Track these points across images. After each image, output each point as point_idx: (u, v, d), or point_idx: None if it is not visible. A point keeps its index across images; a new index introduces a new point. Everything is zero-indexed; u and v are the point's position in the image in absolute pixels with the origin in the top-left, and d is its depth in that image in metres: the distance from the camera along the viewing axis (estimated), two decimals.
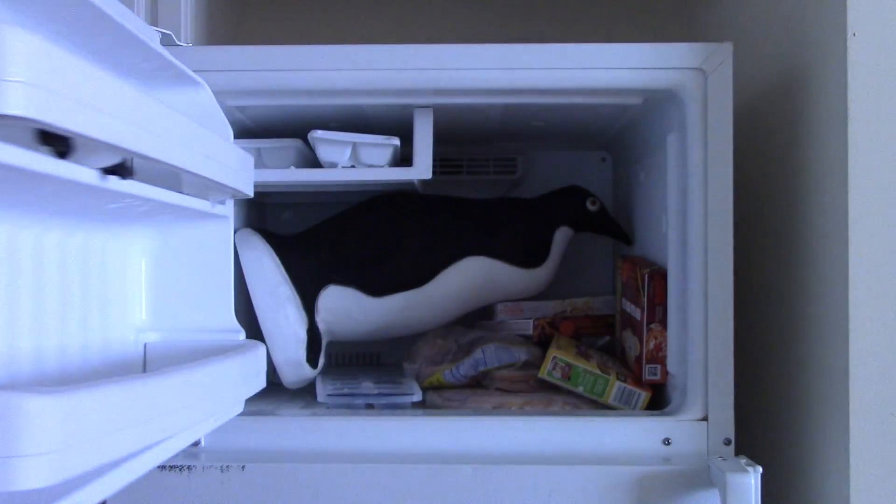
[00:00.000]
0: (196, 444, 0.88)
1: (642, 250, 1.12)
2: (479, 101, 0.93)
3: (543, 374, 1.00)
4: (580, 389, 0.99)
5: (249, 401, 1.00)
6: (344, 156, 0.96)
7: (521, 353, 1.04)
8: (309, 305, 1.01)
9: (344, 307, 1.03)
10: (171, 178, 0.71)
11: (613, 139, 1.20)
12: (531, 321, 1.11)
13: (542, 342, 1.09)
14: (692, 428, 0.88)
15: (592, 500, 0.83)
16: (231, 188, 0.78)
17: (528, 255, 1.09)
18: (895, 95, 0.79)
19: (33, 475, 0.42)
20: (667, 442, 0.88)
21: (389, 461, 0.85)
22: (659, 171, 1.00)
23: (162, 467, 0.84)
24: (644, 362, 0.99)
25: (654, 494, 0.83)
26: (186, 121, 0.65)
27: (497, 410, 0.96)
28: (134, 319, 0.85)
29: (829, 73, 0.84)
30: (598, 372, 0.99)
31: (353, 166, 0.97)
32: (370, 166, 0.96)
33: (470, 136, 1.15)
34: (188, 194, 0.77)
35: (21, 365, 0.69)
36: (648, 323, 0.98)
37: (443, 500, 0.84)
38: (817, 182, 0.87)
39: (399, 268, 1.05)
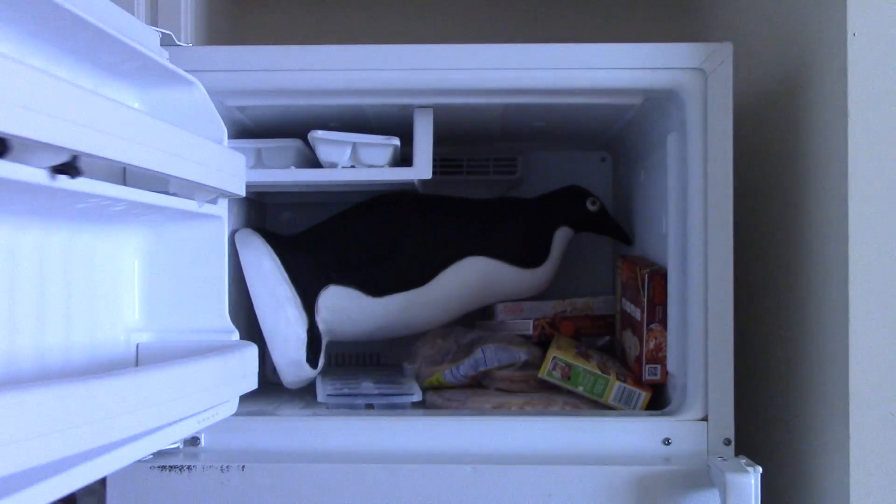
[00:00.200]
0: (196, 444, 0.88)
1: (642, 250, 1.12)
2: (479, 101, 0.93)
3: (543, 374, 1.00)
4: (580, 389, 0.99)
5: (250, 401, 1.00)
6: (344, 156, 0.96)
7: (521, 353, 1.04)
8: (309, 305, 1.01)
9: (344, 307, 1.03)
10: (155, 178, 0.71)
11: (613, 139, 1.20)
12: (531, 321, 1.11)
13: (542, 342, 1.09)
14: (692, 428, 0.88)
15: (592, 500, 0.83)
16: (214, 188, 0.78)
17: (528, 256, 1.09)
18: (895, 95, 0.79)
19: None
20: (667, 442, 0.88)
21: (389, 461, 0.85)
22: (659, 171, 1.00)
23: (162, 467, 0.84)
24: (644, 362, 0.99)
25: (654, 494, 0.83)
26: (149, 119, 0.64)
27: (497, 410, 0.96)
28: (127, 320, 0.85)
29: (829, 73, 0.84)
30: (598, 372, 0.99)
31: (353, 166, 0.97)
32: (370, 166, 0.96)
33: (470, 136, 1.15)
34: (174, 194, 0.77)
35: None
36: (648, 323, 0.98)
37: (443, 500, 0.84)
38: (817, 182, 0.87)
39: (399, 268, 1.05)
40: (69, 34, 0.65)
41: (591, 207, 1.12)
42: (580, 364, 0.99)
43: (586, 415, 0.93)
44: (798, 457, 0.92)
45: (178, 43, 0.87)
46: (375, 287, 1.04)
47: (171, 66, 0.79)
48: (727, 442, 0.88)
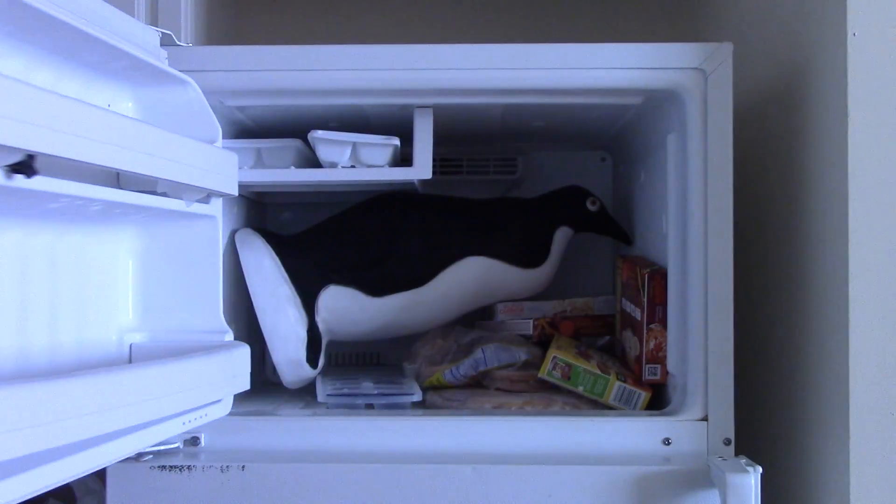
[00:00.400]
0: (196, 444, 0.88)
1: (642, 250, 1.12)
2: (479, 101, 0.93)
3: (543, 374, 1.00)
4: (580, 389, 0.99)
5: (250, 401, 1.00)
6: (344, 156, 0.96)
7: (521, 353, 1.04)
8: (309, 305, 1.01)
9: (344, 307, 1.03)
10: (146, 178, 0.70)
11: (613, 139, 1.20)
12: (531, 321, 1.11)
13: (542, 342, 1.09)
14: (692, 428, 0.88)
15: (592, 500, 0.83)
16: (201, 187, 0.78)
17: (527, 255, 1.09)
18: (895, 95, 0.79)
19: None
20: (667, 442, 0.88)
21: (389, 461, 0.85)
22: (659, 171, 1.00)
23: (162, 467, 0.84)
24: (644, 362, 0.99)
25: (654, 494, 0.83)
26: (116, 117, 0.64)
27: (497, 410, 0.96)
28: (121, 320, 0.85)
29: (829, 73, 0.84)
30: (598, 372, 0.99)
31: (353, 166, 0.97)
32: (370, 166, 0.96)
33: (470, 136, 1.15)
34: (163, 193, 0.77)
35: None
36: (648, 323, 0.98)
37: (443, 500, 0.84)
38: (817, 182, 0.87)
39: (399, 268, 1.05)
40: (47, 34, 0.65)
41: (591, 207, 1.12)
42: (580, 364, 0.99)
43: (586, 415, 0.93)
44: (798, 457, 0.92)
45: (178, 43, 0.87)
46: (375, 287, 1.04)
47: (161, 65, 0.78)
48: (727, 442, 0.88)
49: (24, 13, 0.60)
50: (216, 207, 0.87)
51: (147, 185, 0.75)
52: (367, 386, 1.02)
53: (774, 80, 1.00)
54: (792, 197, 0.94)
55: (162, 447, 0.86)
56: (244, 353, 0.84)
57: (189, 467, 0.84)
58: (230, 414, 0.90)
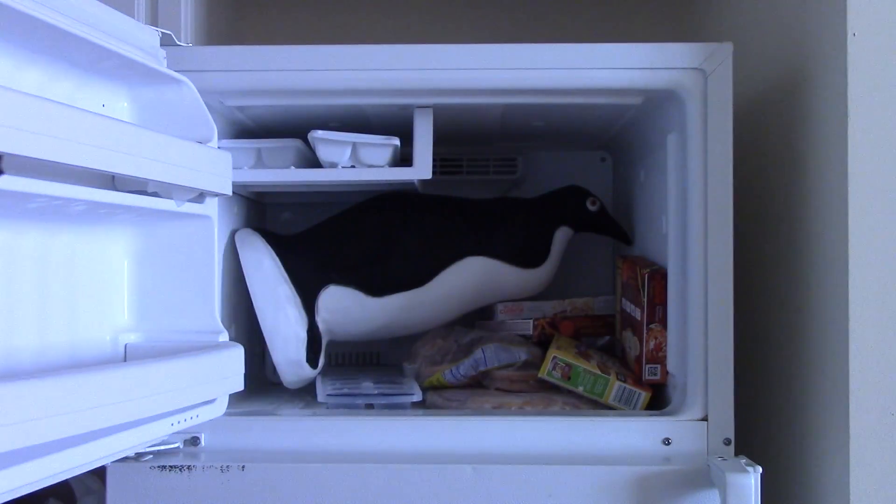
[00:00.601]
0: (196, 444, 0.88)
1: (642, 250, 1.12)
2: (479, 101, 0.93)
3: (543, 374, 1.00)
4: (580, 389, 0.99)
5: (250, 401, 1.01)
6: (344, 156, 0.96)
7: (521, 353, 1.04)
8: (309, 305, 1.01)
9: (344, 307, 1.03)
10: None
11: (613, 139, 1.20)
12: (531, 321, 1.11)
13: (542, 342, 1.09)
14: (692, 428, 0.88)
15: (592, 500, 0.83)
16: (189, 187, 0.77)
17: (527, 255, 1.09)
18: (895, 95, 0.79)
19: None
20: (667, 442, 0.88)
21: (389, 461, 0.85)
22: (659, 171, 1.00)
23: (162, 467, 0.84)
24: (644, 362, 0.99)
25: (654, 494, 0.83)
26: (92, 116, 0.63)
27: (497, 410, 0.96)
28: (116, 320, 0.85)
29: (829, 73, 0.84)
30: (598, 372, 0.99)
31: (353, 166, 0.97)
32: (370, 166, 0.96)
33: (470, 136, 1.15)
34: (154, 193, 0.77)
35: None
36: (648, 323, 0.98)
37: (443, 500, 0.84)
38: (817, 182, 0.87)
39: (399, 268, 1.05)
40: (31, 35, 0.65)
41: (591, 207, 1.12)
42: (580, 364, 0.99)
43: (586, 415, 0.93)
44: (798, 457, 0.92)
45: (178, 43, 0.87)
46: (375, 287, 1.04)
47: (154, 65, 0.78)
48: (727, 442, 0.88)
49: (2, 13, 0.60)
50: (211, 207, 0.86)
51: (140, 185, 0.75)
52: (367, 386, 1.02)
53: (774, 80, 1.00)
54: (792, 197, 0.94)
55: (162, 447, 0.86)
56: (237, 353, 0.83)
57: (189, 467, 0.84)
58: (230, 414, 0.90)
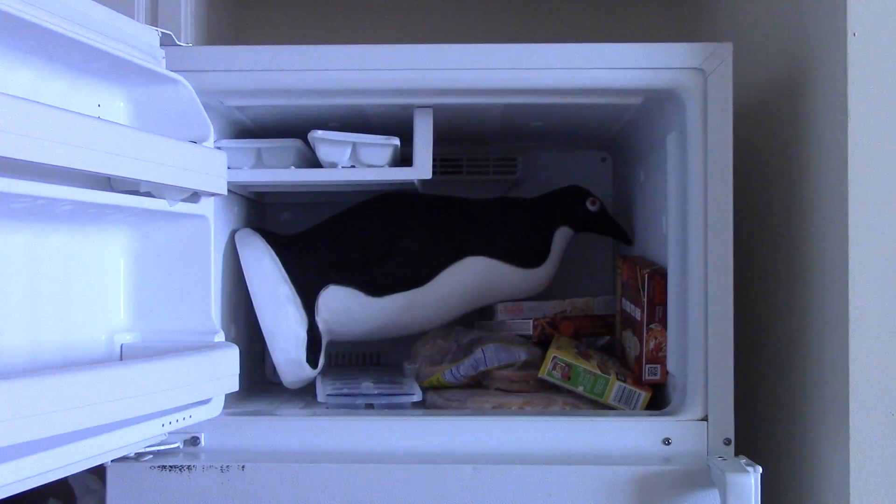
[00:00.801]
0: (196, 443, 0.88)
1: (642, 250, 1.12)
2: (479, 101, 0.93)
3: (543, 374, 1.00)
4: (580, 389, 0.99)
5: (250, 401, 1.01)
6: (344, 156, 0.96)
7: (521, 353, 1.04)
8: (309, 305, 1.01)
9: (344, 307, 1.03)
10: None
11: (613, 139, 1.20)
12: (531, 321, 1.11)
13: (542, 342, 1.09)
14: (692, 428, 0.88)
15: (592, 500, 0.83)
16: (180, 187, 0.77)
17: (527, 255, 1.09)
18: (895, 95, 0.79)
19: None
20: (667, 442, 0.88)
21: (389, 461, 0.85)
22: (659, 171, 1.00)
23: (162, 467, 0.84)
24: (644, 362, 0.99)
25: (654, 494, 0.83)
26: (70, 115, 0.63)
27: (497, 410, 0.96)
28: (112, 320, 0.85)
29: (829, 73, 0.84)
30: (598, 372, 0.99)
31: (353, 166, 0.97)
32: (370, 166, 0.96)
33: (470, 136, 1.15)
34: (146, 193, 0.76)
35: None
36: (648, 323, 0.98)
37: (443, 500, 0.84)
38: (817, 182, 0.87)
39: (399, 268, 1.05)
40: (18, 35, 0.65)
41: (591, 207, 1.12)
42: (580, 364, 0.99)
43: (586, 415, 0.92)
44: (798, 457, 0.92)
45: (178, 43, 0.87)
46: (375, 287, 1.04)
47: (149, 64, 0.78)
48: (727, 442, 0.88)
49: None
50: (207, 207, 0.86)
51: (132, 185, 0.75)
52: (367, 386, 1.02)
53: (774, 80, 1.00)
54: (792, 197, 0.94)
55: (161, 447, 0.86)
56: (231, 353, 0.83)
57: (189, 467, 0.84)
58: (230, 414, 0.90)
